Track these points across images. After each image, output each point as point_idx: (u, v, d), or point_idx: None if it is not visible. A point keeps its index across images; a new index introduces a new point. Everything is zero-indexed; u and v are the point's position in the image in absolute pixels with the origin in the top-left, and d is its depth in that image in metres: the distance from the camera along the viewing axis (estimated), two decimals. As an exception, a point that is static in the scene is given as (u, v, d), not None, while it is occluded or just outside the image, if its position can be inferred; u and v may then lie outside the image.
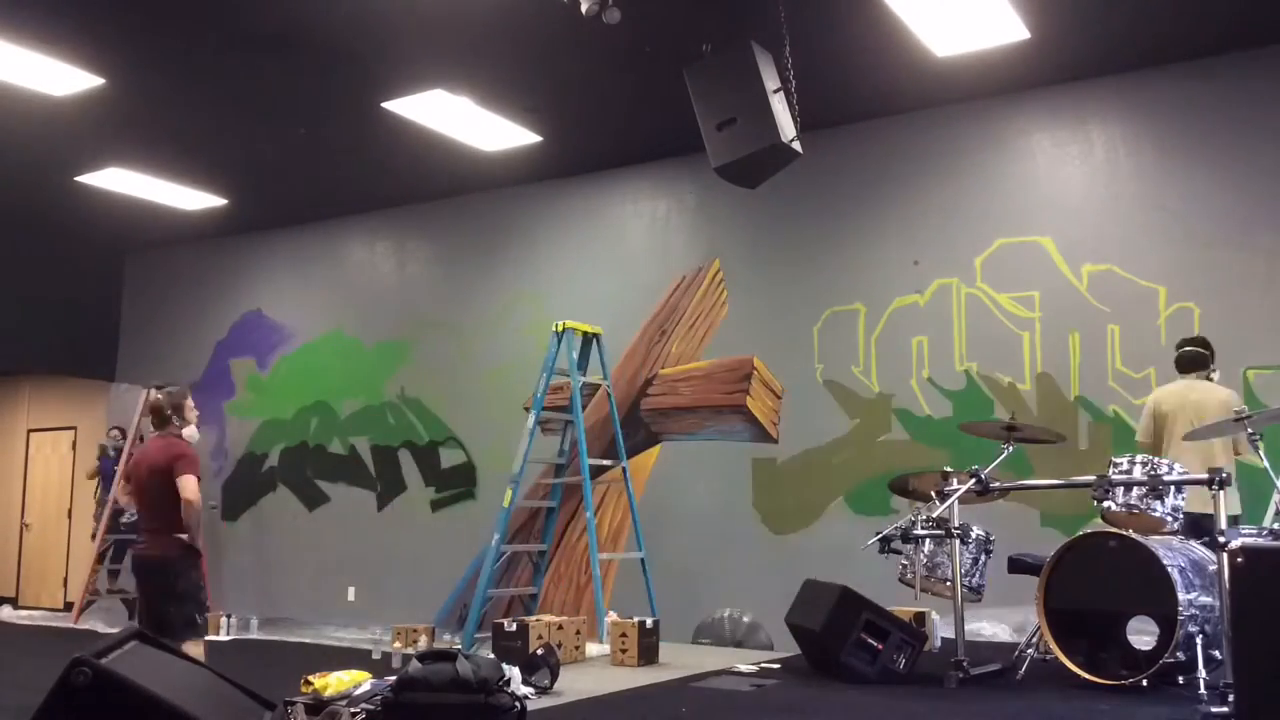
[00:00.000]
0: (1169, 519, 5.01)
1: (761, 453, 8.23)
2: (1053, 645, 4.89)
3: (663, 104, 7.50)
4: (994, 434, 5.75)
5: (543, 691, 5.20)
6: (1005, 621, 6.71)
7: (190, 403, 5.61)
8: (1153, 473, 4.98)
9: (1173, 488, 4.99)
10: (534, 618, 6.58)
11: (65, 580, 12.33)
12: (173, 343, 11.61)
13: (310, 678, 4.36)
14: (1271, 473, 4.90)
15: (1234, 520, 5.69)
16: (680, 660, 6.31)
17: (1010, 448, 5.69)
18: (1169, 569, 4.60)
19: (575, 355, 7.89)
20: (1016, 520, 6.92)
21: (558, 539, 8.84)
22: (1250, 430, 4.79)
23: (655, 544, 8.53)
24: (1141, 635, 4.69)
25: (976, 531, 5.63)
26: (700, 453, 8.50)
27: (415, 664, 3.99)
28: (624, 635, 6.30)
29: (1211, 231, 6.91)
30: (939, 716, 4.30)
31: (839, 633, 5.16)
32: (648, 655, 6.30)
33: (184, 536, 5.30)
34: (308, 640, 8.68)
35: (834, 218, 8.21)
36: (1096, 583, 4.83)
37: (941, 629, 6.31)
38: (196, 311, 11.60)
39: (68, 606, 11.77)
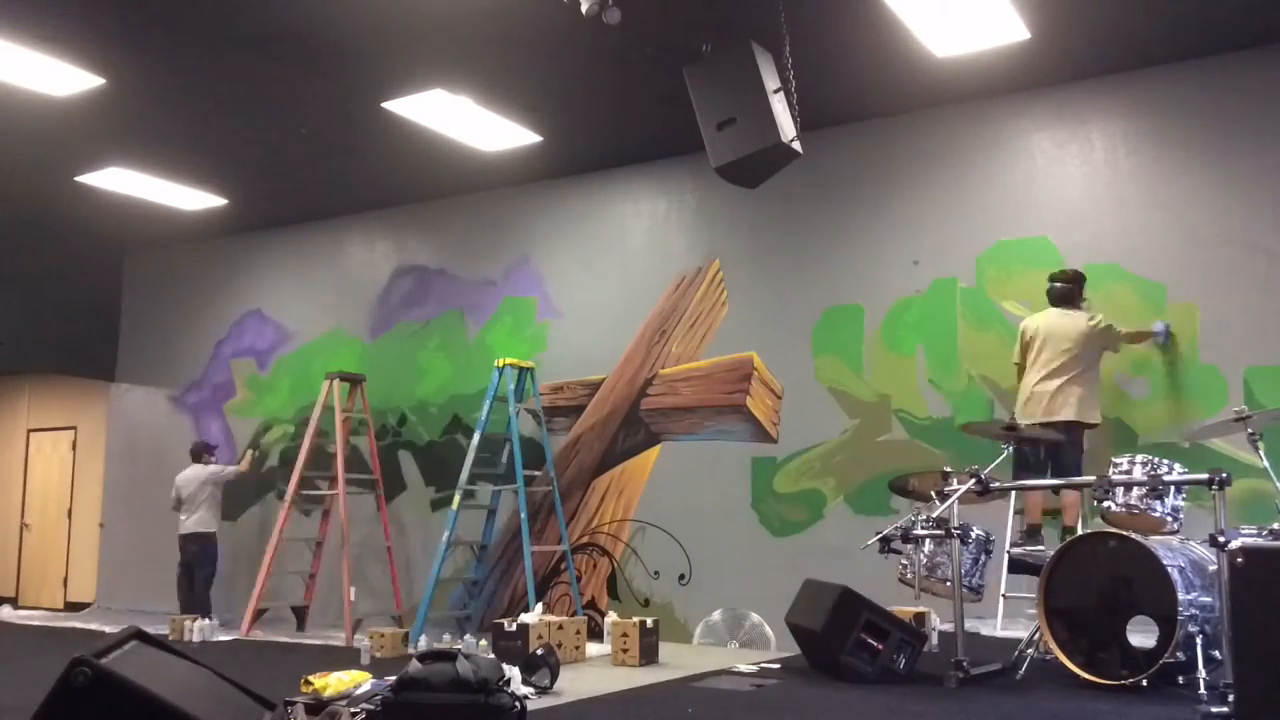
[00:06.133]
0: (1169, 519, 5.01)
1: (761, 452, 8.23)
2: (1053, 645, 4.89)
3: (662, 104, 7.50)
4: (994, 434, 5.75)
5: (543, 691, 5.20)
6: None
7: None
8: (1153, 473, 4.98)
9: (1173, 488, 4.99)
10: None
11: (65, 580, 12.33)
12: (173, 343, 11.60)
13: (310, 678, 4.36)
14: (1271, 473, 4.90)
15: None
16: (680, 660, 6.32)
17: (1010, 448, 5.70)
18: (1169, 569, 4.60)
19: (513, 386, 8.87)
20: (1017, 520, 6.92)
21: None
22: (1250, 430, 4.79)
23: (655, 543, 8.55)
24: (1141, 635, 4.69)
25: (976, 531, 5.63)
26: (700, 453, 8.49)
27: (415, 664, 3.99)
28: (624, 635, 6.30)
29: (1211, 231, 6.91)
30: (939, 716, 4.30)
31: (839, 633, 5.16)
32: (648, 655, 6.31)
33: None
34: (307, 640, 8.67)
35: (834, 217, 8.20)
36: (1096, 583, 4.83)
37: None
38: (196, 311, 11.59)
39: (68, 606, 11.78)
